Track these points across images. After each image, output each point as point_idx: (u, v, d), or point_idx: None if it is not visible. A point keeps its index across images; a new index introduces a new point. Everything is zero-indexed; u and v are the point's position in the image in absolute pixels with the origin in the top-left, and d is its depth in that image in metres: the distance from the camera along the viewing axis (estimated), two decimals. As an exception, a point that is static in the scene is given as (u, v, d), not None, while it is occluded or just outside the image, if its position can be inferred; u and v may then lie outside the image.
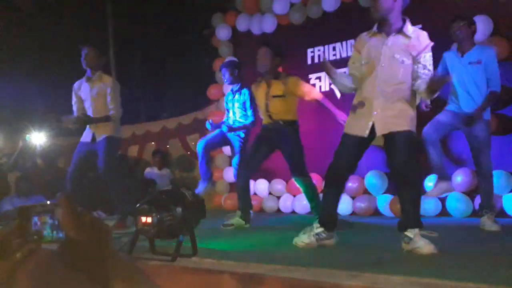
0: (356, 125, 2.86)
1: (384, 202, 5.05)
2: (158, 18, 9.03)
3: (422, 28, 3.13)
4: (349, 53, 5.36)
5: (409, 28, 2.79)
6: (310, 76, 6.03)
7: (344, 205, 5.42)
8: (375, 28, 2.87)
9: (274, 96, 4.01)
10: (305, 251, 2.77)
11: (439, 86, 2.65)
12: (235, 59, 5.61)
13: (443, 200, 4.84)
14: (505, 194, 4.47)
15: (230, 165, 5.98)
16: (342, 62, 5.01)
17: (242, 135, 4.64)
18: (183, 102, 8.31)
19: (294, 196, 5.75)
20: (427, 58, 2.77)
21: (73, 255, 0.56)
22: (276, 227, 4.02)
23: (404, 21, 2.81)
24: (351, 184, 5.38)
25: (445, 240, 3.03)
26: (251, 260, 2.30)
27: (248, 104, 4.55)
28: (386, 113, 2.76)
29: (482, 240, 3.30)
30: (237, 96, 4.65)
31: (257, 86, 4.19)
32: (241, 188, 4.15)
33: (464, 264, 2.21)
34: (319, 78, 5.98)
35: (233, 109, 4.69)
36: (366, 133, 2.80)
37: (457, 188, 4.77)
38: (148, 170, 6.93)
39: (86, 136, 4.09)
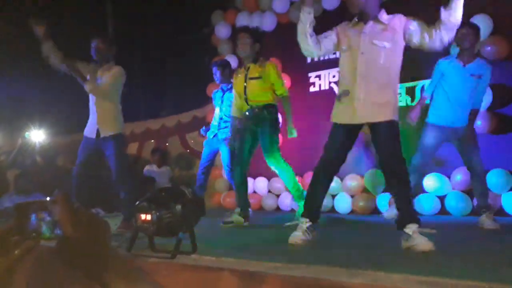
0: (344, 113, 2.90)
1: (384, 201, 5.05)
2: (158, 18, 9.02)
3: None
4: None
5: (383, 16, 2.86)
6: (310, 74, 6.03)
7: (344, 204, 5.43)
8: (355, 18, 2.94)
9: (251, 78, 4.06)
10: (305, 249, 2.77)
11: None
12: (226, 59, 5.61)
13: (442, 199, 4.85)
14: (504, 193, 4.47)
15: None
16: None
17: (229, 134, 4.64)
18: (183, 100, 8.30)
19: (294, 194, 5.75)
20: (416, 23, 2.79)
21: (71, 252, 0.55)
22: (276, 225, 4.02)
23: (379, 11, 2.87)
24: (351, 182, 5.39)
25: (444, 238, 3.04)
26: (251, 258, 2.30)
27: None
28: (370, 99, 2.79)
29: (482, 239, 3.31)
30: (227, 94, 4.73)
31: (237, 73, 4.24)
32: (238, 184, 4.17)
33: (464, 263, 2.21)
34: (318, 76, 5.97)
35: (221, 106, 4.80)
36: (354, 119, 2.84)
37: (456, 186, 4.78)
38: (147, 168, 6.93)
39: (90, 132, 3.95)
